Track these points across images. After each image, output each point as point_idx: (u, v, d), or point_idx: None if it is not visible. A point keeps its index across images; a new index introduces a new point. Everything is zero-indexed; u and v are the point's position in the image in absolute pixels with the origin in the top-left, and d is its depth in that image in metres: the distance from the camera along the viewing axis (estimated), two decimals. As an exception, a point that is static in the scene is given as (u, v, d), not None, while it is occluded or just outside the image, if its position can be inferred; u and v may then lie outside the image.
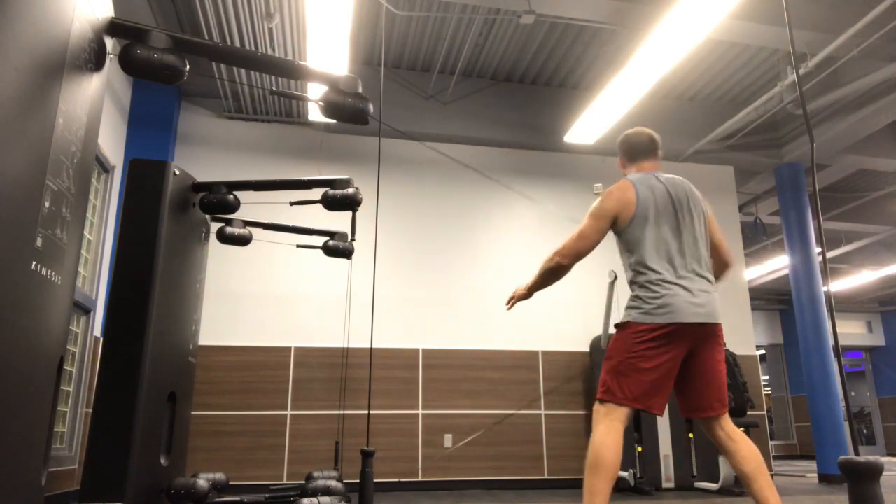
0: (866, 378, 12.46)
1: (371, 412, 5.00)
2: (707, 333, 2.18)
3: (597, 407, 2.18)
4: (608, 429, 2.10)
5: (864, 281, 10.47)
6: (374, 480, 3.50)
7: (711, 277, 2.29)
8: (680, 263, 2.23)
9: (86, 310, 4.46)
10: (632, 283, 2.30)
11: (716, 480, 4.88)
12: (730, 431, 2.17)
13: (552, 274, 2.37)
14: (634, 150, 2.51)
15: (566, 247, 2.31)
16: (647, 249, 2.25)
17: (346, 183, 3.55)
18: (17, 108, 1.58)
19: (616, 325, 2.28)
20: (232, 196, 3.56)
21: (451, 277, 5.69)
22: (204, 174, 4.13)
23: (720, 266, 2.44)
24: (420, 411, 5.27)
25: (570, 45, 5.52)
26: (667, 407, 5.56)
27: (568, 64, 5.82)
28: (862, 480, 1.97)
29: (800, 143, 6.30)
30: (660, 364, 2.13)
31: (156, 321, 3.10)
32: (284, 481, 4.89)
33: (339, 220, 4.44)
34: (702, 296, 2.18)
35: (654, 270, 2.22)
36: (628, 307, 2.26)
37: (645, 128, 2.56)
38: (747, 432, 4.87)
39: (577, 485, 5.34)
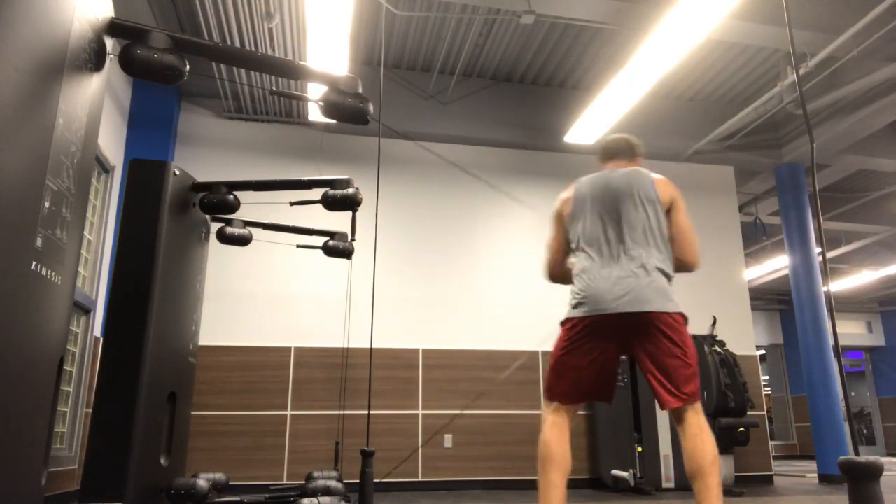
0: (866, 378, 12.46)
1: (371, 412, 5.00)
2: (634, 322, 2.05)
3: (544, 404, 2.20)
4: (551, 424, 2.11)
5: (864, 281, 10.47)
6: (374, 480, 3.50)
7: (651, 262, 2.11)
8: (608, 253, 2.16)
9: (86, 310, 4.46)
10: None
11: (716, 480, 4.88)
12: (685, 426, 2.01)
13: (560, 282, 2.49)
14: (605, 153, 2.50)
15: (544, 265, 2.47)
16: (579, 242, 2.27)
17: (346, 183, 3.55)
18: (18, 109, 1.58)
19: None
20: (232, 196, 3.56)
21: (451, 277, 5.69)
22: (204, 174, 4.13)
23: (676, 260, 2.24)
24: (420, 411, 5.27)
25: (570, 45, 5.52)
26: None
27: (568, 64, 5.82)
28: (862, 480, 1.97)
29: (800, 143, 6.30)
30: (587, 359, 2.09)
31: (156, 321, 3.10)
32: (284, 481, 4.89)
33: (339, 221, 4.43)
34: (624, 283, 2.07)
35: (581, 262, 2.22)
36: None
37: (627, 134, 2.53)
38: (747, 432, 4.87)
39: (577, 485, 5.36)
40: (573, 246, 2.31)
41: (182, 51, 2.21)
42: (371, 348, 4.59)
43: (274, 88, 3.52)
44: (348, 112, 2.44)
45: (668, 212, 2.24)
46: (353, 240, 4.08)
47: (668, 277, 2.14)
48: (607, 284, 2.09)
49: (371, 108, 2.47)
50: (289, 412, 5.07)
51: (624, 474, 4.76)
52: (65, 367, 3.71)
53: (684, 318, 2.10)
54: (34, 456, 1.78)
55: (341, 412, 5.09)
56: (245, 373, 5.08)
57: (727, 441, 4.87)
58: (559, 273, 2.42)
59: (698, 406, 2.04)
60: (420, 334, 5.46)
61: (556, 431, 2.08)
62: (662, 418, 5.22)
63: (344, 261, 5.27)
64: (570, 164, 6.23)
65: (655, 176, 2.28)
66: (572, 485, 5.34)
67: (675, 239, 2.24)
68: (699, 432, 1.99)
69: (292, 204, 3.72)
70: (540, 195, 5.99)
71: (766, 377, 12.10)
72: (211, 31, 4.51)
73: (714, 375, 4.97)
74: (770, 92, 5.39)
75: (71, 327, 4.27)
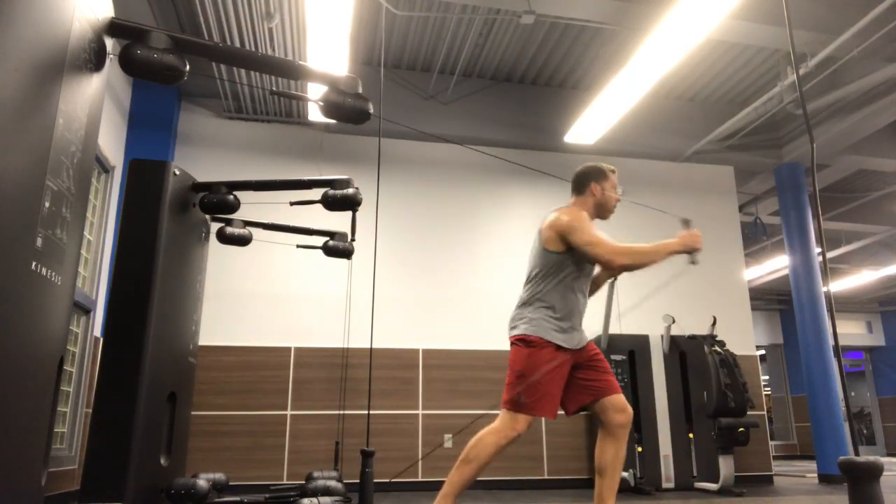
0: (866, 378, 12.45)
1: (371, 412, 5.00)
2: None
3: None
4: None
5: (864, 281, 10.47)
6: (374, 480, 3.50)
7: (525, 296, 2.57)
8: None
9: (86, 310, 4.46)
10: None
11: (716, 480, 4.88)
12: None
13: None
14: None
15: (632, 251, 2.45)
16: None
17: (346, 183, 3.55)
18: (18, 109, 1.58)
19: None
20: (232, 196, 3.56)
21: (451, 277, 5.69)
22: (204, 174, 4.13)
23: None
24: (420, 411, 5.27)
25: (570, 45, 5.52)
26: (667, 408, 5.55)
27: (568, 64, 5.82)
28: (862, 480, 1.97)
29: (800, 143, 6.30)
30: None
31: (156, 321, 3.10)
32: (284, 481, 4.89)
33: (339, 220, 4.43)
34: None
35: None
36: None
37: (592, 163, 2.74)
38: (747, 432, 4.87)
39: (577, 485, 5.36)
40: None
41: (182, 51, 2.21)
42: (371, 348, 4.59)
43: (274, 88, 3.52)
44: (348, 112, 2.44)
45: (568, 244, 2.45)
46: (353, 240, 4.09)
47: (524, 305, 2.54)
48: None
49: (371, 107, 2.47)
50: (289, 412, 5.07)
51: (624, 474, 4.76)
52: (65, 367, 3.71)
53: (522, 340, 2.47)
54: (34, 456, 1.78)
55: (341, 412, 5.09)
56: (245, 373, 5.08)
57: (727, 441, 4.87)
58: None
59: (505, 411, 2.50)
60: (420, 334, 5.46)
61: None
62: (662, 419, 5.22)
63: (344, 261, 5.27)
64: (570, 165, 6.20)
65: (551, 216, 2.55)
66: (570, 485, 5.35)
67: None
68: (485, 430, 2.52)
69: (292, 204, 3.72)
70: (540, 195, 5.98)
71: (766, 377, 12.10)
72: (211, 31, 4.51)
73: (714, 375, 4.97)
74: (770, 92, 5.39)
75: (71, 327, 4.27)
